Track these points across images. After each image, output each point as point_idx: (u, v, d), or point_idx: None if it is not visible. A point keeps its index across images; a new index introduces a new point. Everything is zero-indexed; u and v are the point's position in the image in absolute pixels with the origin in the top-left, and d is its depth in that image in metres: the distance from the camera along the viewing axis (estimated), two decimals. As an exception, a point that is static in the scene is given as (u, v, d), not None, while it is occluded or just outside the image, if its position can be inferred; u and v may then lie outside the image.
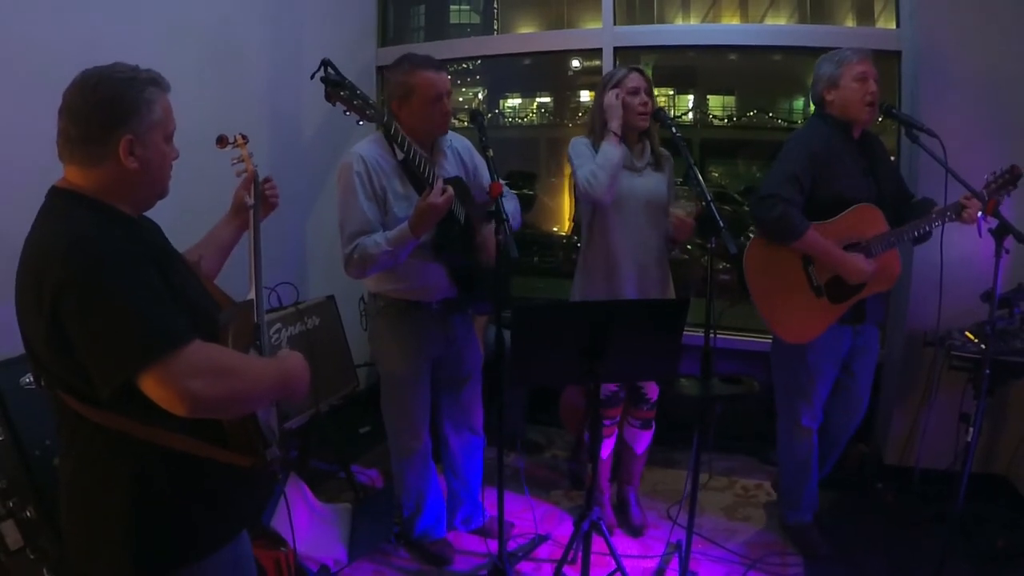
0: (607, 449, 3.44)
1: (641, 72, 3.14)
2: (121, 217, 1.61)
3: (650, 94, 3.14)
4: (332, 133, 4.32)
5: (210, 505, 1.65)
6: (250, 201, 2.13)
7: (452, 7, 5.76)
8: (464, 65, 5.68)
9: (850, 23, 4.54)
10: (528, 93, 6.21)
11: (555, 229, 5.99)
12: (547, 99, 6.18)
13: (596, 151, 3.10)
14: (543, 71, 5.83)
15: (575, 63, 5.52)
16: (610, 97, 3.05)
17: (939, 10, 3.59)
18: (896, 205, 3.09)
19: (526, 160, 6.17)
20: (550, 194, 6.03)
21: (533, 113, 6.25)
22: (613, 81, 3.13)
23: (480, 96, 6.17)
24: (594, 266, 3.19)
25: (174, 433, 1.54)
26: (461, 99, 6.01)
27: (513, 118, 6.24)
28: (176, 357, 1.42)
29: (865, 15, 4.49)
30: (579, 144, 3.16)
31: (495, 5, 5.74)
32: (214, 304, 1.78)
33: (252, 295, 1.91)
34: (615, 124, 3.03)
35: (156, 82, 1.61)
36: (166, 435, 1.54)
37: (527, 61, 5.40)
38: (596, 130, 3.16)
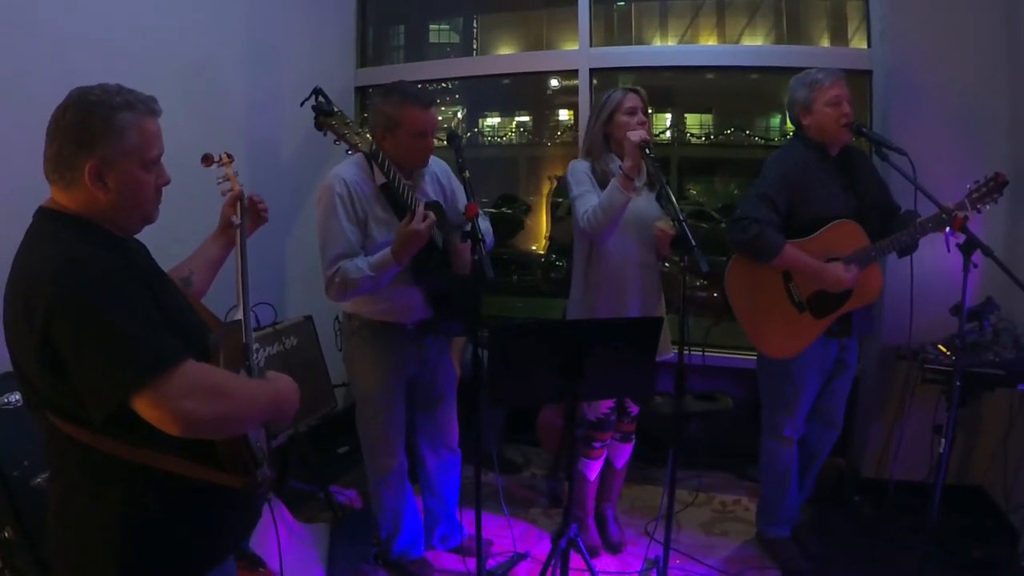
0: (595, 471, 3.44)
1: (638, 92, 3.16)
2: (109, 237, 1.60)
3: (646, 114, 3.17)
4: (311, 153, 4.33)
5: (200, 527, 1.65)
6: (236, 220, 2.11)
7: (432, 27, 5.76)
8: (443, 84, 5.66)
9: (825, 42, 4.59)
10: (507, 112, 6.21)
11: (533, 248, 5.97)
12: (526, 118, 6.18)
13: (595, 175, 3.13)
14: (522, 90, 5.81)
15: (554, 82, 5.52)
16: (639, 134, 2.92)
17: (909, 31, 3.66)
18: (883, 219, 3.13)
19: (505, 179, 6.18)
20: (527, 213, 6.03)
21: (512, 132, 6.25)
22: (612, 105, 3.15)
23: (459, 115, 6.16)
24: (600, 286, 3.18)
25: (166, 454, 1.54)
26: (440, 118, 5.91)
27: (492, 137, 6.24)
28: (170, 378, 1.42)
29: (839, 35, 4.55)
30: (579, 171, 3.16)
31: (475, 25, 5.77)
32: (203, 324, 1.78)
33: (240, 315, 1.90)
34: (629, 165, 2.92)
35: (131, 106, 1.58)
36: (157, 457, 1.54)
37: (506, 80, 5.41)
38: (594, 152, 3.18)
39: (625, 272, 3.15)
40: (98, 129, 1.54)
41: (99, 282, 1.46)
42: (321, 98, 2.53)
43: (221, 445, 1.61)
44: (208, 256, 2.12)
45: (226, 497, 1.65)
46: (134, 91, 1.62)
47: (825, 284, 3.02)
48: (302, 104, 2.51)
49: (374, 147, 2.72)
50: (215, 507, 1.66)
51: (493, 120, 6.29)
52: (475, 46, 5.75)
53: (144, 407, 1.41)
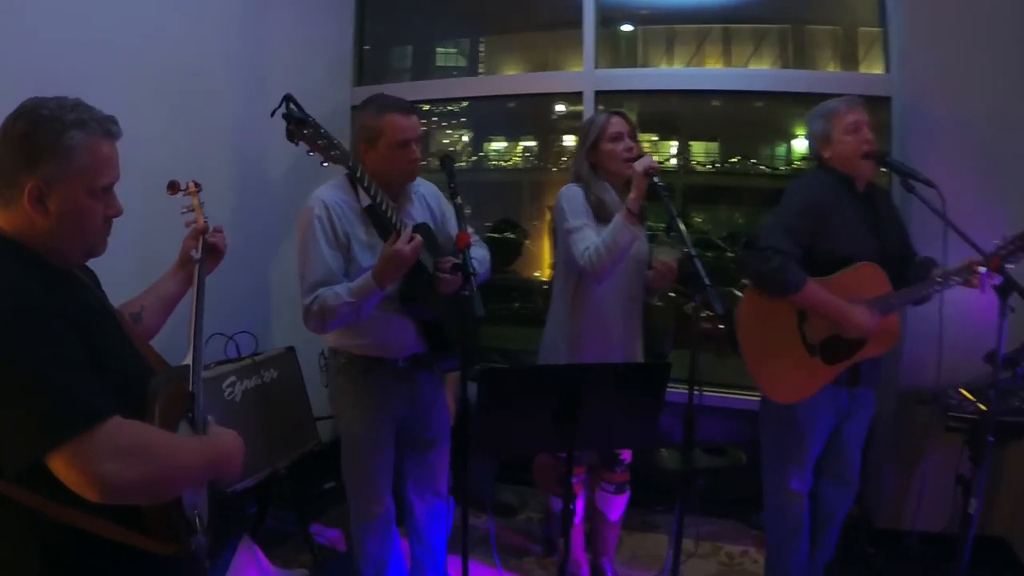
0: (577, 513, 3.22)
1: (623, 115, 3.00)
2: (43, 267, 1.47)
3: (634, 138, 2.99)
4: (299, 175, 4.14)
5: None
6: (196, 255, 2.00)
7: (439, 50, 5.74)
8: (449, 108, 5.64)
9: (832, 70, 4.46)
10: (512, 136, 6.16)
11: (536, 275, 5.86)
12: (531, 143, 6.13)
13: (588, 200, 2.95)
14: (527, 114, 5.79)
15: (560, 107, 5.47)
16: (644, 163, 2.72)
17: (931, 54, 3.52)
18: (901, 265, 2.93)
19: (509, 203, 6.13)
20: (531, 238, 5.92)
21: (517, 156, 6.20)
22: (595, 131, 2.99)
23: (465, 139, 6.13)
24: (586, 325, 3.01)
25: (89, 515, 1.38)
26: (447, 141, 5.97)
27: (497, 161, 6.18)
28: (90, 437, 1.27)
29: (848, 63, 4.42)
30: (574, 198, 2.97)
31: (481, 50, 5.73)
32: (146, 368, 1.63)
33: (189, 359, 1.75)
34: (635, 199, 2.74)
35: (83, 125, 1.45)
36: (79, 516, 1.38)
37: (511, 104, 5.38)
38: (583, 179, 3.01)
39: (613, 307, 3.00)
40: (44, 146, 1.41)
41: (20, 322, 1.31)
42: (292, 105, 2.35)
43: (148, 510, 1.45)
44: (163, 292, 2.00)
45: (156, 563, 1.49)
46: (92, 109, 1.49)
47: (846, 327, 2.79)
48: (272, 114, 2.35)
49: (352, 162, 2.54)
50: (144, 572, 1.50)
51: (499, 144, 6.24)
52: (481, 70, 5.71)
53: (60, 467, 1.27)
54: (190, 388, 1.68)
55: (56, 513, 1.36)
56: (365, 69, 5.02)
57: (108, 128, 1.51)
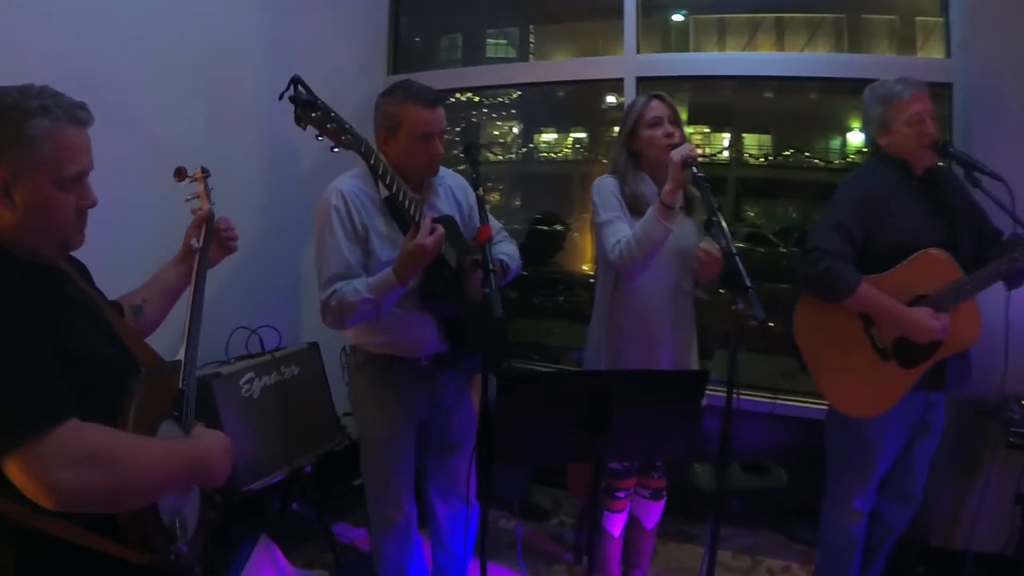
0: (619, 526, 3.06)
1: (663, 99, 2.82)
2: (11, 261, 1.40)
3: (676, 123, 2.80)
4: (330, 166, 3.99)
5: None
6: (197, 244, 1.93)
7: (489, 41, 5.68)
8: (499, 99, 5.60)
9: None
10: (563, 128, 6.13)
11: (583, 268, 5.76)
12: (582, 134, 6.09)
13: (623, 194, 2.79)
14: (577, 105, 5.74)
15: (610, 98, 5.32)
16: (682, 152, 2.54)
17: (996, 38, 3.28)
18: (979, 247, 2.70)
19: (559, 195, 6.11)
20: (579, 229, 5.82)
21: (568, 148, 6.15)
22: (633, 116, 2.82)
23: (515, 130, 6.11)
24: (626, 322, 2.84)
25: (60, 521, 1.31)
26: (496, 132, 5.96)
27: (547, 153, 6.14)
28: (45, 440, 1.21)
29: (906, 47, 4.21)
30: (605, 190, 2.82)
31: (531, 40, 5.65)
32: (131, 364, 1.55)
33: (182, 354, 1.67)
34: (670, 191, 2.56)
35: (47, 112, 1.37)
36: (50, 522, 1.31)
37: (561, 94, 5.36)
38: (619, 170, 2.85)
39: (656, 302, 2.81)
40: (6, 136, 1.36)
41: None
42: (300, 87, 2.21)
43: (121, 517, 1.37)
44: (164, 283, 1.93)
45: (137, 572, 1.41)
46: (59, 95, 1.42)
47: (909, 333, 2.57)
48: (280, 97, 2.22)
49: (365, 147, 2.38)
50: None
51: (549, 136, 6.22)
52: (531, 61, 5.60)
53: (14, 473, 1.21)
54: (180, 385, 1.61)
55: (27, 519, 1.31)
56: (407, 58, 4.93)
57: (75, 115, 1.43)
